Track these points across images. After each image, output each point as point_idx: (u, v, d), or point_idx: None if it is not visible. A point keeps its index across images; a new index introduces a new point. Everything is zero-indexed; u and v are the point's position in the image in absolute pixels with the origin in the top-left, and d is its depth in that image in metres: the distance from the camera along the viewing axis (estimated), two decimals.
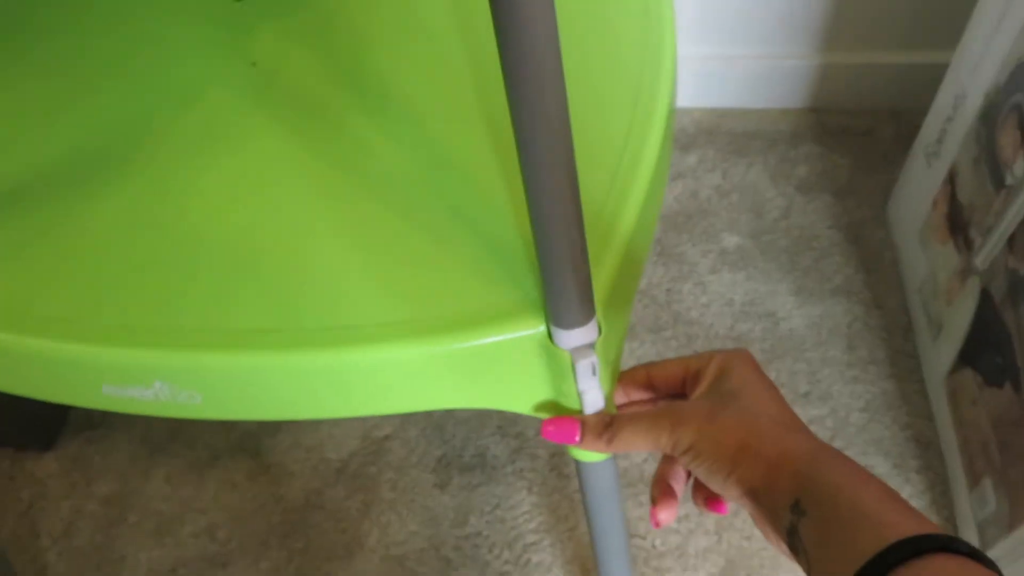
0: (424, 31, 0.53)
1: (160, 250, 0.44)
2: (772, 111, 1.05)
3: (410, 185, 0.45)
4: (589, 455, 0.45)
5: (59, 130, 0.49)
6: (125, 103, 0.51)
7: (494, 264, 0.42)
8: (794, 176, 0.98)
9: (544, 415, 0.43)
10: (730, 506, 0.40)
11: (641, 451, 0.39)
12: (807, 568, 0.32)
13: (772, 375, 0.82)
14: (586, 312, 0.38)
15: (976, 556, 0.28)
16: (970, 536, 0.69)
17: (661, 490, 0.41)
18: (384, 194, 0.45)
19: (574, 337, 0.39)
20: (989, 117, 0.68)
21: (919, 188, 0.83)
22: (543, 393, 0.43)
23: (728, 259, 0.91)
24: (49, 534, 0.78)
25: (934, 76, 0.80)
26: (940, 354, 0.76)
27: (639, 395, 0.43)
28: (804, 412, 0.79)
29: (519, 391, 0.42)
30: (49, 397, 0.43)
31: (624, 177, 0.44)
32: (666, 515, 0.41)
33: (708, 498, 0.40)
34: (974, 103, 0.71)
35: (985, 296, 0.67)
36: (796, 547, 0.32)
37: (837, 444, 0.77)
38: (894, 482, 0.75)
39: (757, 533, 0.74)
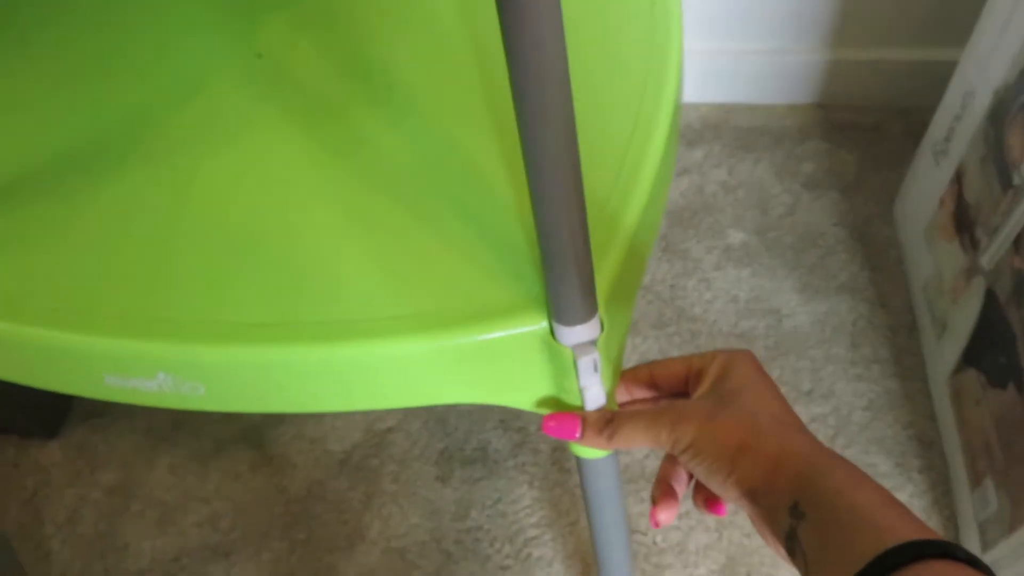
0: (431, 24, 0.53)
1: (164, 241, 0.44)
2: (779, 107, 1.05)
3: (414, 178, 0.45)
4: (590, 452, 0.46)
5: (63, 120, 0.49)
6: (131, 93, 0.51)
7: (497, 259, 0.42)
8: (800, 172, 0.97)
9: (545, 411, 0.43)
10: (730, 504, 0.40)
11: (641, 448, 0.39)
12: (805, 571, 0.32)
13: (775, 372, 0.82)
14: (588, 309, 0.38)
15: (974, 563, 0.28)
16: (971, 536, 0.69)
17: (662, 491, 0.41)
18: (388, 187, 0.45)
19: (576, 334, 0.39)
20: (998, 116, 0.68)
21: (926, 186, 0.82)
22: (545, 389, 0.43)
23: (733, 255, 0.91)
24: (53, 521, 0.78)
25: (943, 73, 0.80)
26: (944, 353, 0.75)
27: (642, 393, 0.43)
28: (807, 410, 0.79)
29: (520, 387, 0.42)
30: (52, 387, 0.43)
31: (629, 173, 0.44)
32: (666, 516, 0.41)
33: (708, 499, 0.40)
34: (983, 102, 0.71)
35: (990, 296, 0.67)
36: (794, 550, 0.32)
37: (839, 442, 0.77)
38: (896, 481, 0.75)
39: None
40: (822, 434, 0.77)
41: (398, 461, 0.80)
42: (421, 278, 0.41)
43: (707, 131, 1.03)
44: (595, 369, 0.40)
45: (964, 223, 0.73)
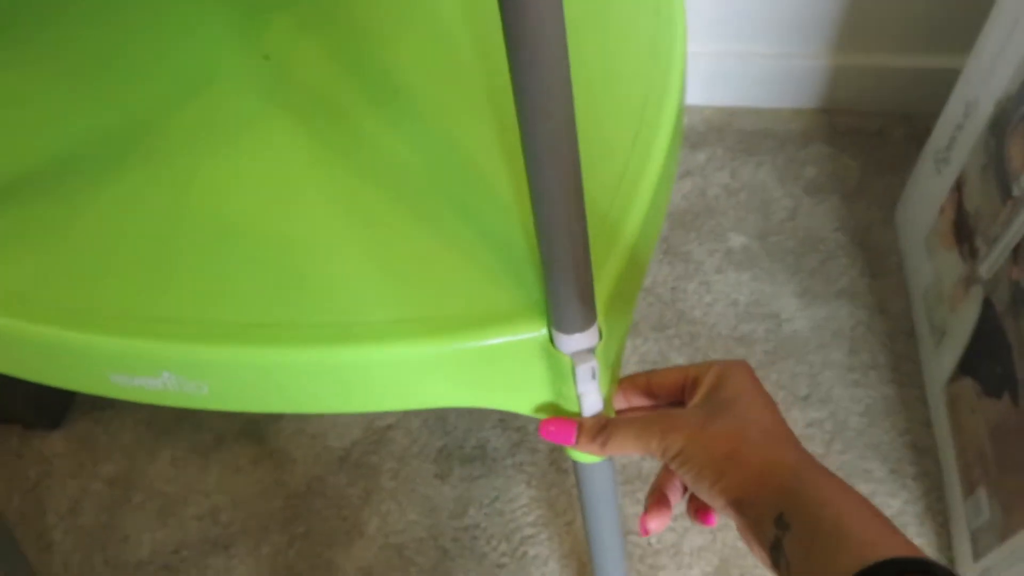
0: (437, 28, 0.54)
1: (167, 241, 0.44)
2: (783, 110, 1.05)
3: (417, 182, 0.46)
4: (585, 456, 0.46)
5: (68, 119, 0.50)
6: (140, 92, 0.51)
7: (498, 265, 0.42)
8: (803, 177, 0.98)
9: (543, 415, 0.44)
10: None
11: (634, 454, 0.40)
12: None
13: (773, 376, 0.82)
14: (588, 317, 0.39)
15: None
16: (963, 544, 0.69)
17: (655, 499, 0.41)
18: (391, 190, 0.46)
19: (575, 341, 0.39)
20: (999, 126, 0.68)
21: (927, 194, 0.83)
22: (543, 395, 0.43)
23: (734, 259, 0.91)
24: (55, 512, 0.79)
25: (947, 80, 0.80)
26: (941, 361, 0.76)
27: (639, 401, 0.44)
28: (804, 415, 0.80)
29: (518, 392, 0.43)
30: (58, 383, 0.44)
31: (630, 183, 0.44)
32: (656, 524, 0.41)
33: (699, 509, 0.41)
34: (985, 111, 0.71)
35: (987, 306, 0.67)
36: (779, 560, 0.33)
37: (835, 447, 0.78)
38: (890, 487, 0.75)
39: None
40: (819, 439, 0.78)
41: (397, 458, 0.81)
42: (422, 282, 0.42)
43: (711, 134, 1.03)
44: (593, 376, 0.40)
45: (964, 232, 0.73)
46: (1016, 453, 0.61)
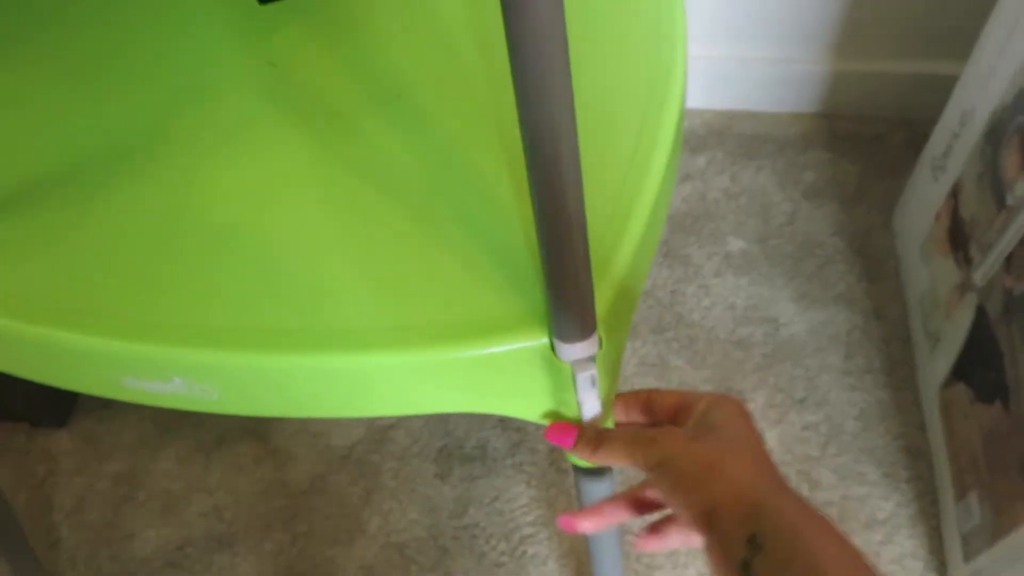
0: (442, 38, 0.55)
1: (176, 245, 0.45)
2: (783, 115, 1.06)
3: (421, 190, 0.47)
4: (583, 460, 0.47)
5: (76, 120, 0.51)
6: (145, 96, 0.52)
7: (500, 274, 0.43)
8: (802, 181, 0.99)
9: (543, 420, 0.45)
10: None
11: (621, 465, 0.41)
12: None
13: (771, 380, 0.83)
14: (587, 326, 0.40)
15: None
16: (955, 547, 0.70)
17: (655, 526, 0.43)
18: (395, 198, 0.47)
19: (575, 350, 0.40)
20: (995, 135, 0.69)
21: (924, 200, 0.84)
22: (543, 400, 0.44)
23: (733, 263, 0.92)
24: (61, 508, 0.80)
25: (947, 86, 0.81)
26: (936, 366, 0.77)
27: (638, 417, 0.45)
28: (800, 418, 0.81)
29: (519, 398, 0.44)
30: (69, 386, 0.45)
31: (630, 194, 0.45)
32: (590, 523, 0.44)
33: (655, 527, 0.42)
34: (981, 120, 0.72)
35: (981, 313, 0.68)
36: None
37: (830, 451, 0.79)
38: (884, 490, 0.76)
39: None
40: (814, 442, 0.79)
41: (398, 458, 0.82)
42: (425, 290, 0.43)
43: (711, 137, 1.04)
44: (593, 384, 0.42)
45: (959, 239, 0.74)
46: (1007, 458, 0.63)
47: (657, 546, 0.43)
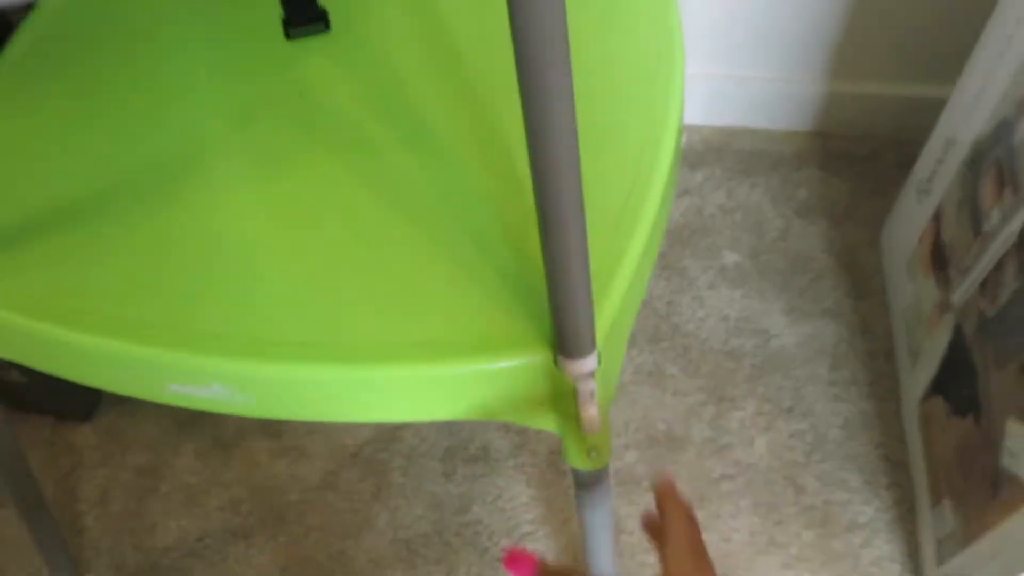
0: (463, 73, 0.59)
1: (217, 265, 0.50)
2: (779, 132, 1.10)
3: (441, 220, 0.51)
4: (585, 464, 0.52)
5: (128, 153, 0.55)
6: (187, 124, 0.57)
7: (512, 298, 0.48)
8: (795, 198, 1.03)
9: (546, 428, 0.49)
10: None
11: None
12: None
13: (760, 390, 0.88)
14: (589, 345, 0.44)
15: None
16: (929, 550, 0.75)
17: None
18: (418, 227, 0.51)
19: (577, 366, 0.45)
20: (975, 164, 0.74)
21: (910, 221, 0.88)
22: (547, 410, 0.49)
23: (727, 276, 0.97)
24: (86, 500, 0.85)
25: (937, 109, 0.85)
26: (917, 381, 0.81)
27: None
28: (787, 426, 0.85)
29: (526, 408, 0.49)
30: (120, 391, 0.49)
31: (628, 223, 0.50)
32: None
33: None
34: (963, 149, 0.76)
35: (958, 332, 0.73)
36: None
37: (815, 458, 0.83)
38: (865, 496, 0.81)
39: (736, 535, 0.80)
40: (800, 449, 0.84)
41: (406, 456, 0.86)
42: (444, 310, 0.47)
43: (709, 154, 1.08)
44: (592, 396, 0.46)
45: (940, 261, 0.79)
46: (978, 469, 0.67)
47: None
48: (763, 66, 1.05)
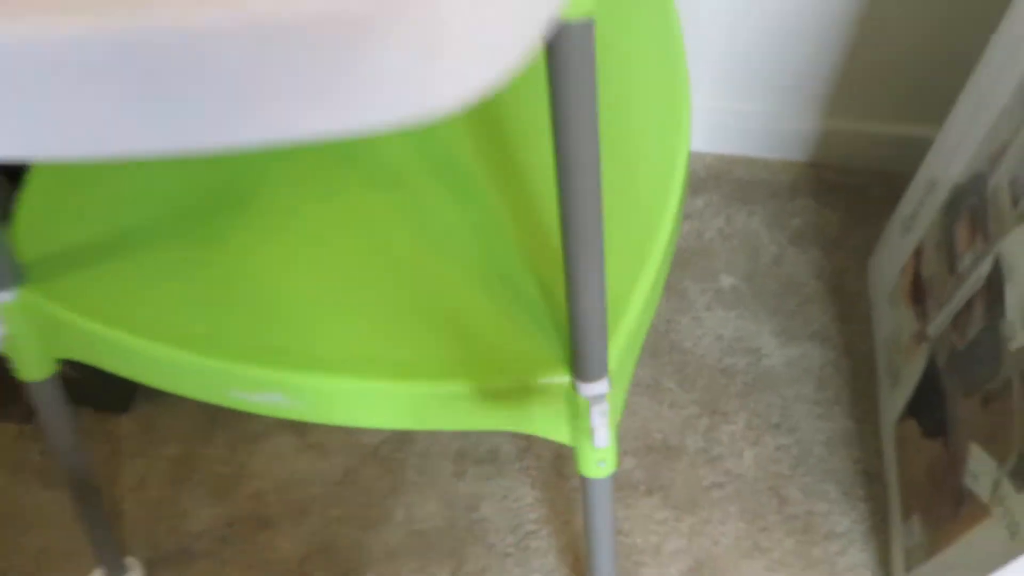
0: (494, 114, 0.66)
1: (277, 286, 0.56)
2: (775, 162, 1.17)
3: (474, 255, 0.58)
4: (595, 471, 0.59)
5: (196, 182, 0.62)
6: (242, 161, 0.64)
7: (533, 327, 0.54)
8: (789, 227, 1.10)
9: (563, 440, 0.56)
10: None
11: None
12: None
13: (751, 405, 0.95)
14: (602, 370, 0.51)
15: None
16: (898, 559, 0.82)
17: None
18: (453, 261, 0.58)
19: (591, 388, 0.52)
20: (952, 208, 0.81)
21: (894, 253, 0.95)
22: (561, 425, 0.56)
23: (723, 298, 1.04)
24: (124, 486, 0.92)
25: (925, 148, 0.92)
26: (894, 403, 0.89)
27: None
28: (774, 440, 0.92)
29: (542, 422, 0.55)
30: (187, 394, 0.56)
31: (637, 262, 0.56)
32: None
33: None
34: (942, 192, 0.83)
35: (932, 361, 0.80)
36: None
37: (799, 471, 0.90)
38: (843, 507, 0.88)
39: (724, 539, 0.87)
40: (785, 462, 0.91)
41: (420, 456, 0.93)
42: (475, 336, 0.54)
43: (710, 180, 1.15)
44: (604, 415, 0.53)
45: (919, 294, 0.86)
46: (943, 487, 0.74)
47: None
48: (763, 101, 1.12)
